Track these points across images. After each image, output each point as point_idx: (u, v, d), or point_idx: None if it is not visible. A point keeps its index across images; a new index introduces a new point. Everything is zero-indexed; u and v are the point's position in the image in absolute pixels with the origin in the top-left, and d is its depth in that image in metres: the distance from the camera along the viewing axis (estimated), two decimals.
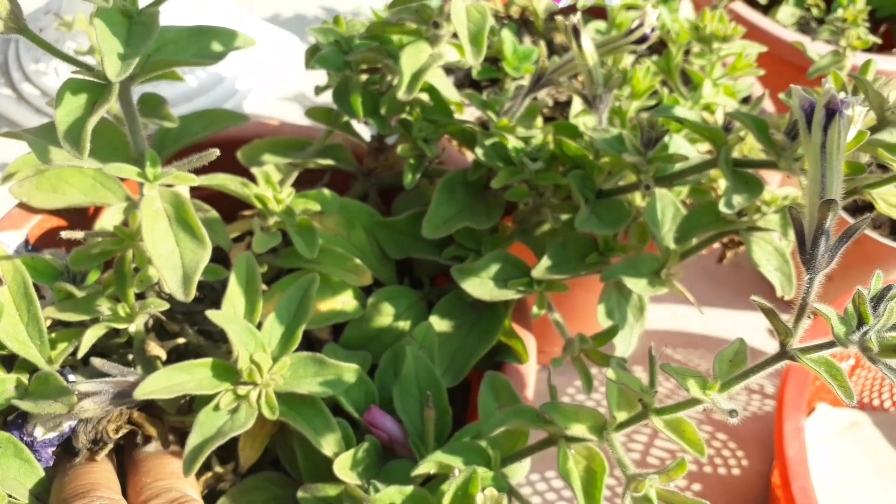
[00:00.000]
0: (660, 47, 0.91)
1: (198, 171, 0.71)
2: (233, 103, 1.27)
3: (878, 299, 0.39)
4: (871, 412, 0.95)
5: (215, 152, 0.53)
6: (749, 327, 1.10)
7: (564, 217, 0.67)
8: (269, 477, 0.55)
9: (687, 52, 0.75)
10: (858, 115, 0.47)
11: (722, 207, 0.55)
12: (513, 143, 0.66)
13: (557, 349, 0.80)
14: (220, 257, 0.65)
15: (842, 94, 0.47)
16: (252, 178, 0.67)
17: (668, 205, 0.67)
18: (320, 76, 0.71)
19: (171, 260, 0.50)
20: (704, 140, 0.60)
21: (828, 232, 0.43)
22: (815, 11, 1.32)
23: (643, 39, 0.64)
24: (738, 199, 0.56)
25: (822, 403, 0.91)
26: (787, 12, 1.22)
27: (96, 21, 0.45)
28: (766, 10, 1.28)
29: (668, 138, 0.62)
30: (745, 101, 0.95)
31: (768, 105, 1.02)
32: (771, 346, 1.09)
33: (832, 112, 0.46)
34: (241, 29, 0.55)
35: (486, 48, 0.55)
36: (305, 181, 0.76)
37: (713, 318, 1.12)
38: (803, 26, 1.32)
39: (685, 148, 0.63)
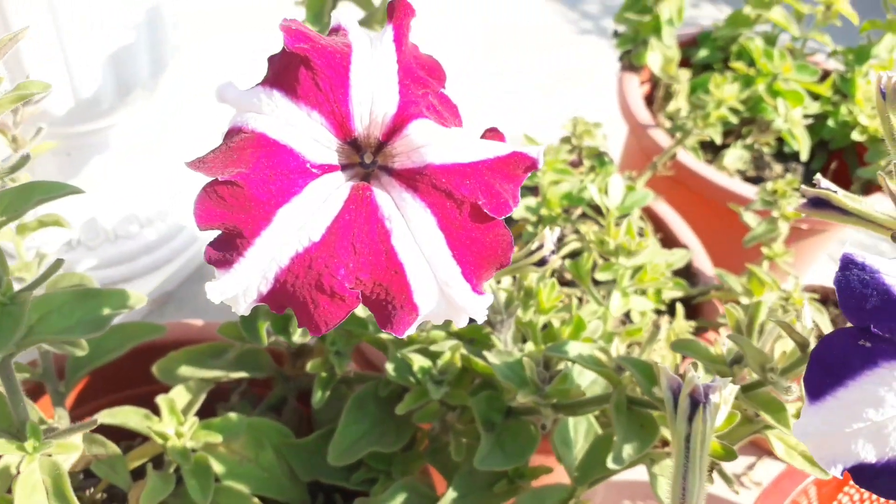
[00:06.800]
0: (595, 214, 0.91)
1: (114, 388, 0.72)
2: (194, 250, 1.29)
3: None
4: None
5: (94, 422, 0.53)
6: None
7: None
8: None
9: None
10: (728, 395, 0.47)
11: (610, 463, 0.54)
12: (419, 363, 0.66)
13: None
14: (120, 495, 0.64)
15: (707, 379, 0.46)
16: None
17: (581, 420, 0.66)
18: None
19: None
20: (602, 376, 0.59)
21: None
22: (766, 149, 1.34)
23: (543, 262, 0.64)
24: (628, 451, 0.55)
25: None
26: (734, 156, 1.24)
27: None
28: (722, 148, 1.30)
29: (569, 366, 0.62)
30: (677, 273, 0.95)
31: (706, 264, 1.02)
32: None
33: (696, 402, 0.46)
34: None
35: None
36: (225, 387, 0.76)
37: None
38: (758, 161, 1.34)
39: (585, 376, 0.63)
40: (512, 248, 0.41)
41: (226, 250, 0.37)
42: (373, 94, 0.40)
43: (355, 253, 0.38)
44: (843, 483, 0.88)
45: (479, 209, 0.40)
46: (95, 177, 1.09)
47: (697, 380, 0.46)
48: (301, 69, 0.38)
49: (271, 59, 0.39)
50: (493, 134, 0.43)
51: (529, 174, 0.42)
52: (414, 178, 0.40)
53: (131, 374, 0.76)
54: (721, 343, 0.60)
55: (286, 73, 0.38)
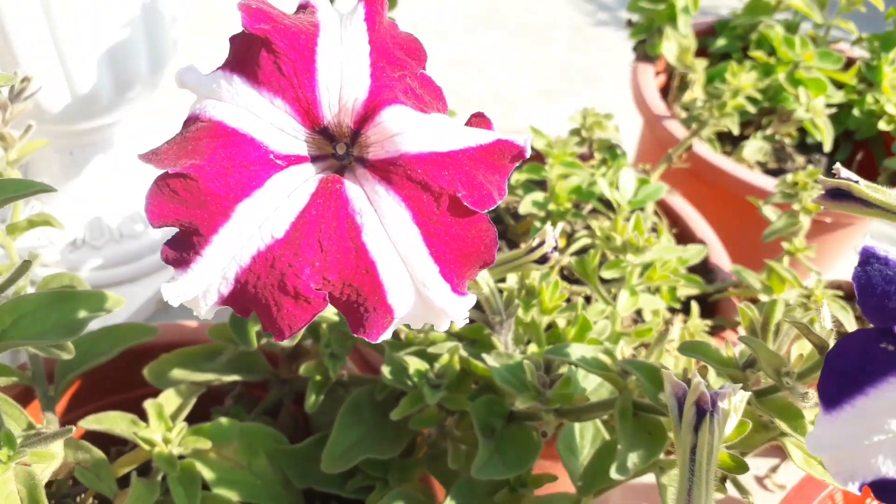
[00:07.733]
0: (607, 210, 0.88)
1: (108, 391, 0.69)
2: None
3: None
4: None
5: (70, 430, 0.50)
6: None
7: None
8: None
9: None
10: (739, 402, 0.43)
11: (613, 473, 0.51)
12: (415, 365, 0.63)
13: None
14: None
15: (717, 384, 0.43)
16: None
17: (588, 426, 0.63)
18: None
19: None
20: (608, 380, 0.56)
21: None
22: (788, 140, 1.28)
23: (544, 260, 0.61)
24: (633, 460, 0.51)
25: None
26: (753, 147, 1.19)
27: None
28: (742, 139, 1.25)
29: (571, 369, 0.59)
30: (694, 269, 0.91)
31: (724, 260, 0.98)
32: None
33: (703, 411, 0.42)
34: None
35: None
36: (219, 390, 0.74)
37: None
38: (779, 153, 1.29)
39: (590, 380, 0.59)
40: (496, 244, 0.37)
41: (183, 249, 0.35)
42: (342, 78, 0.37)
43: (322, 251, 0.35)
44: None
45: (459, 202, 0.37)
46: (99, 175, 1.08)
47: (703, 386, 0.42)
48: (262, 52, 0.35)
49: (233, 41, 0.36)
50: (479, 120, 0.39)
51: (517, 164, 0.39)
52: (388, 170, 0.37)
53: (125, 377, 0.74)
54: (732, 344, 0.56)
55: (247, 56, 0.36)
